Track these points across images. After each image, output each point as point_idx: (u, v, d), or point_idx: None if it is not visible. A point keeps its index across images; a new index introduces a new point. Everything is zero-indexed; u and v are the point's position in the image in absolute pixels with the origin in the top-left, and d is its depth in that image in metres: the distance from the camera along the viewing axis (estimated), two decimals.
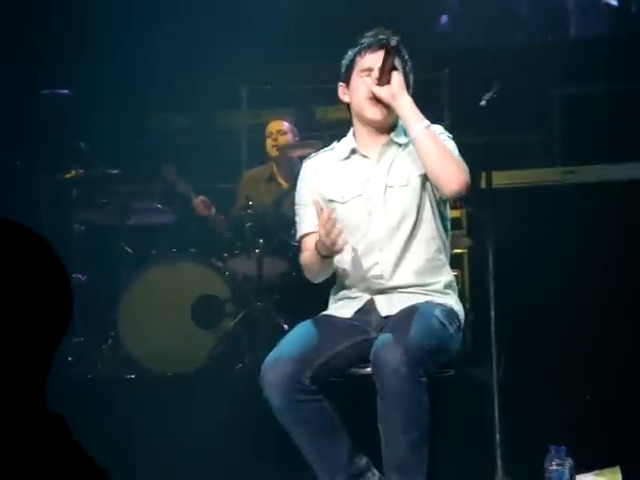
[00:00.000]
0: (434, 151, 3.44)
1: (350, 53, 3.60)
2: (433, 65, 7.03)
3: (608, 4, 7.31)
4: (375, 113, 3.54)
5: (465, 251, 6.15)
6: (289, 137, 6.75)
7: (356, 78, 3.56)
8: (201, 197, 6.69)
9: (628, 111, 6.69)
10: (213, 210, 6.68)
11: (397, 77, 3.47)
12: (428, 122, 3.48)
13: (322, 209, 3.38)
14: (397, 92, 3.46)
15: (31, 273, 1.42)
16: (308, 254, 3.57)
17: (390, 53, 3.45)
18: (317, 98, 7.60)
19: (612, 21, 7.52)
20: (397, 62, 3.52)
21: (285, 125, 6.79)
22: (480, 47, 7.54)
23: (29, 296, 1.40)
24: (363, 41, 3.58)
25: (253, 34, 7.28)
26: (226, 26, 7.33)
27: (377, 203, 3.56)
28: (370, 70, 3.52)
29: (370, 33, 3.59)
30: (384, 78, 3.46)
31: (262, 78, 7.73)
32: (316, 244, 3.43)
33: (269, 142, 6.78)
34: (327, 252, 3.41)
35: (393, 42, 3.45)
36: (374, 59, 3.52)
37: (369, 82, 3.51)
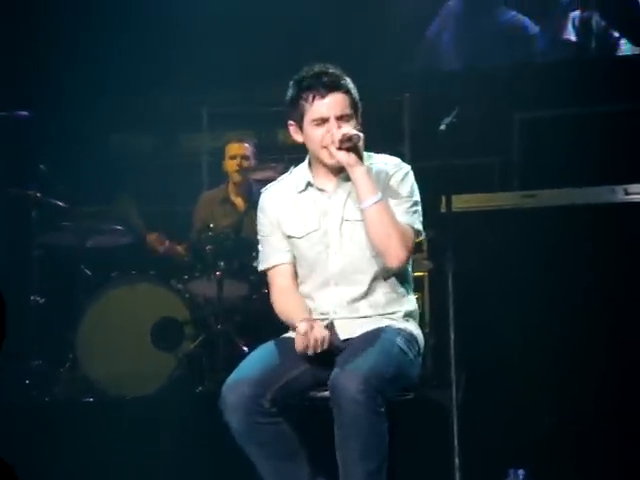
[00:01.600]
0: (379, 227, 3.47)
1: (293, 93, 3.56)
2: (394, 89, 7.05)
3: (568, 39, 7.38)
4: (332, 162, 3.55)
5: (425, 274, 6.16)
6: (251, 161, 6.73)
7: (309, 127, 3.54)
8: (154, 234, 6.63)
9: (587, 135, 6.75)
10: (167, 243, 6.62)
11: (354, 156, 3.48)
12: (379, 196, 3.47)
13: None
14: (352, 164, 3.48)
15: None
16: (282, 304, 3.60)
17: (349, 140, 3.45)
18: (279, 120, 7.59)
19: (572, 46, 7.59)
20: (346, 100, 3.51)
21: (248, 149, 6.77)
22: (441, 71, 7.57)
23: None
24: (306, 83, 3.53)
25: (215, 55, 7.28)
26: (187, 47, 7.33)
27: (333, 237, 3.57)
28: (322, 120, 3.51)
29: (311, 72, 3.54)
30: (343, 147, 3.48)
31: (223, 100, 7.73)
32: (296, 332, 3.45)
33: (231, 164, 6.74)
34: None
35: (354, 139, 3.45)
36: (325, 107, 3.50)
37: (323, 134, 3.49)
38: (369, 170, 3.54)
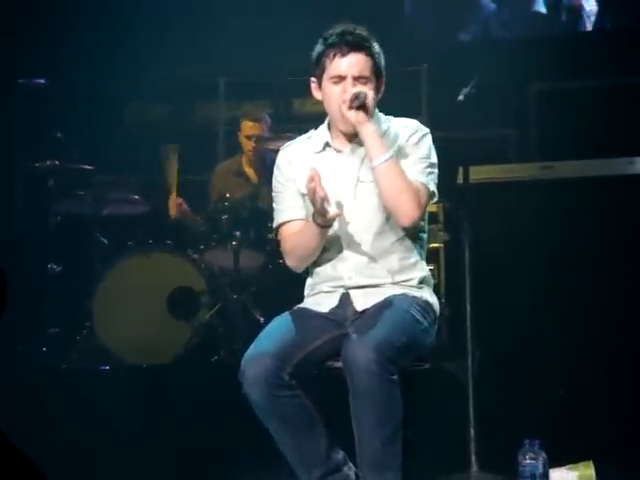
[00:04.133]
0: (390, 185, 3.46)
1: (318, 50, 3.56)
2: (412, 59, 7.03)
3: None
4: (345, 127, 3.56)
5: (441, 246, 6.16)
6: (266, 135, 6.70)
7: (327, 84, 3.55)
8: (180, 199, 6.65)
9: (605, 107, 6.72)
10: (188, 212, 6.64)
11: (363, 114, 3.47)
12: (389, 154, 3.47)
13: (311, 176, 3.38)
14: (362, 122, 3.48)
15: None
16: (298, 235, 3.56)
17: (357, 97, 3.45)
18: (295, 90, 7.59)
19: (588, 16, 7.54)
20: (367, 62, 3.52)
21: (263, 128, 6.73)
22: (459, 42, 7.54)
23: None
24: (330, 41, 3.55)
25: (231, 24, 7.27)
26: (205, 16, 7.31)
27: (347, 198, 3.56)
28: (340, 77, 3.51)
29: (337, 30, 3.55)
30: (353, 106, 3.48)
31: (240, 69, 7.71)
32: (313, 214, 3.44)
33: (246, 143, 6.72)
34: (321, 219, 3.41)
35: (361, 96, 3.44)
36: (344, 65, 3.50)
37: (339, 94, 3.50)
38: (386, 133, 3.53)
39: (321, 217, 3.42)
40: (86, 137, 6.81)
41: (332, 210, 3.40)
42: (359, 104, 3.47)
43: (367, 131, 3.49)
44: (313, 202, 3.39)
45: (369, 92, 3.48)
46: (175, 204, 6.63)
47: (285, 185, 3.64)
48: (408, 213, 3.47)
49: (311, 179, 3.37)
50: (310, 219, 3.49)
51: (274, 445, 3.41)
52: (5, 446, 1.38)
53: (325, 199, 3.37)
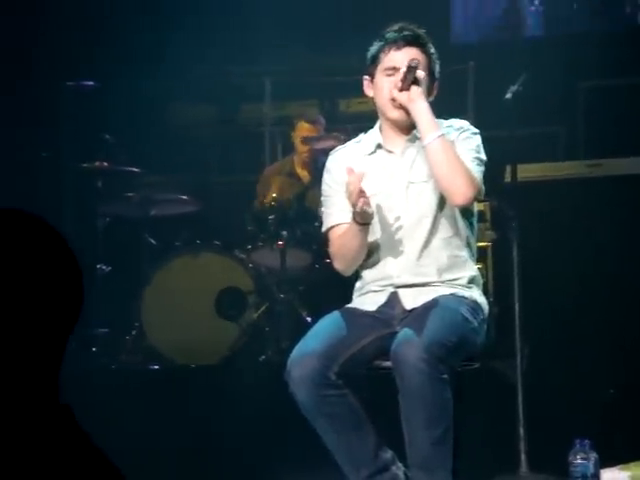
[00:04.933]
0: (442, 163, 3.46)
1: (374, 47, 3.60)
2: (458, 57, 7.01)
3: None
4: (396, 114, 3.56)
5: (489, 244, 6.12)
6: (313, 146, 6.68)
7: (380, 76, 3.57)
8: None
9: None
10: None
11: (416, 88, 3.48)
12: (441, 131, 3.48)
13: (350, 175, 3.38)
14: (414, 99, 3.48)
15: (40, 261, 1.42)
16: (341, 238, 3.56)
17: (410, 70, 3.46)
18: (341, 90, 7.59)
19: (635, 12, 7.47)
20: (422, 59, 3.52)
21: (319, 129, 6.71)
22: (506, 39, 7.51)
23: (39, 284, 1.40)
24: (387, 36, 3.58)
25: (277, 24, 7.28)
26: (251, 16, 7.33)
27: (399, 199, 3.56)
28: (394, 69, 3.52)
29: (395, 27, 3.59)
30: (405, 86, 3.48)
31: (286, 69, 7.72)
32: (352, 213, 3.44)
33: (300, 143, 6.71)
34: (360, 217, 3.40)
35: (413, 62, 3.48)
36: (398, 57, 3.53)
37: (392, 83, 3.51)
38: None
39: (359, 214, 3.41)
40: (133, 138, 6.85)
41: (364, 205, 3.39)
42: (412, 78, 3.46)
43: (420, 107, 3.48)
44: (350, 198, 3.39)
45: (422, 73, 3.48)
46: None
47: (334, 189, 3.64)
48: (462, 190, 3.45)
49: (350, 171, 3.37)
50: (348, 228, 3.49)
51: (322, 444, 3.41)
52: (89, 448, 1.39)
53: (362, 196, 3.37)
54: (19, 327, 1.37)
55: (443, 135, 3.48)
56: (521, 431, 4.17)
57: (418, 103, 3.48)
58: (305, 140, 6.62)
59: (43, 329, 1.39)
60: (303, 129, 6.71)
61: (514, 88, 4.31)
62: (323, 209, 3.71)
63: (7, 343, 1.36)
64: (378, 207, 3.55)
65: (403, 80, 3.48)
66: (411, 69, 3.47)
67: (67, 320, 1.43)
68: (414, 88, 3.48)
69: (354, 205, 3.38)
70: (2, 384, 1.37)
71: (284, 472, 4.60)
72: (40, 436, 1.39)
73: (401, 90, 3.49)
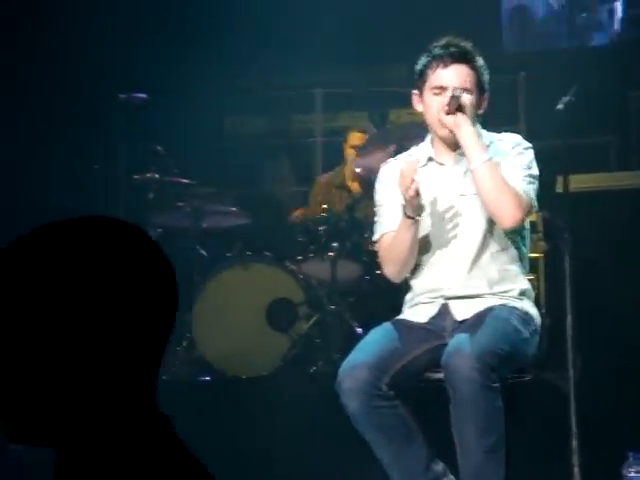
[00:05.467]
0: (489, 187, 3.45)
1: (421, 62, 3.60)
2: (509, 68, 6.99)
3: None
4: (444, 133, 3.57)
5: (541, 255, 6.08)
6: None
7: (428, 94, 3.57)
8: (300, 210, 6.73)
9: None
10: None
11: (461, 114, 3.48)
12: (488, 156, 3.47)
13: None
14: (460, 124, 3.48)
15: (143, 268, 1.44)
16: (392, 239, 3.57)
17: (453, 99, 3.46)
18: (391, 100, 7.60)
19: None
20: (469, 75, 3.51)
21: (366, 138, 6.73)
22: (555, 49, 7.47)
23: (140, 291, 1.42)
24: (434, 52, 3.57)
25: (327, 36, 7.30)
26: (301, 28, 7.36)
27: (451, 211, 3.56)
28: (441, 88, 3.52)
29: (442, 42, 3.58)
30: (451, 109, 3.48)
31: (337, 81, 7.74)
32: (403, 207, 3.45)
33: (350, 152, 6.74)
34: (411, 210, 3.41)
35: (457, 92, 3.47)
36: (445, 76, 3.52)
37: (439, 103, 3.51)
38: (488, 148, 3.52)
39: (410, 204, 3.41)
40: (185, 150, 6.90)
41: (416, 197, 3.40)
42: (456, 105, 3.47)
43: (466, 133, 3.48)
44: (401, 185, 3.38)
45: (467, 96, 3.48)
46: (297, 216, 6.67)
47: (387, 198, 3.66)
48: (510, 214, 3.45)
49: (410, 166, 3.36)
50: (402, 214, 3.49)
51: (374, 456, 3.41)
52: (187, 457, 1.42)
53: (416, 188, 3.37)
54: (121, 334, 1.39)
55: (490, 159, 3.47)
56: (574, 444, 4.13)
57: (463, 129, 3.49)
58: (356, 149, 6.64)
59: (144, 336, 1.42)
60: (355, 138, 6.74)
61: (566, 99, 4.29)
62: (376, 218, 3.72)
63: (110, 349, 1.39)
64: (430, 218, 3.55)
65: (449, 104, 3.48)
66: (455, 97, 3.47)
67: (165, 327, 1.45)
68: (459, 115, 3.48)
69: (406, 190, 3.37)
70: (104, 393, 1.39)
71: None
72: (140, 444, 1.42)
73: (448, 113, 3.49)
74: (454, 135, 3.53)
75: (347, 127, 6.90)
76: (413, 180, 3.37)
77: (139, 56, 7.28)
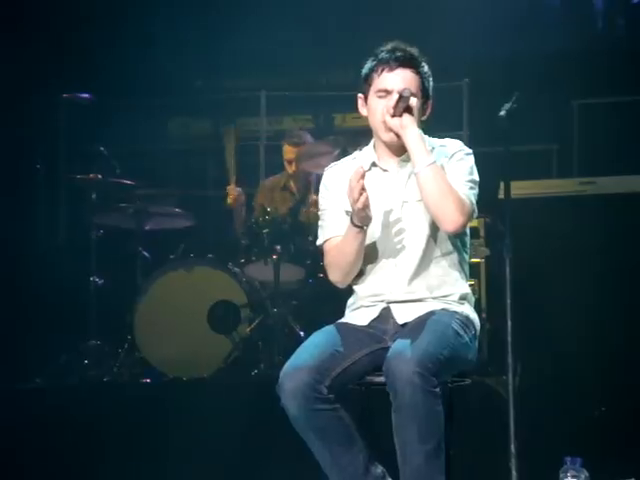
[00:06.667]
0: (433, 190, 3.47)
1: (367, 66, 3.60)
2: (453, 74, 7.03)
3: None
4: (387, 137, 3.57)
5: (482, 261, 6.14)
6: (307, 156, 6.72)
7: (373, 97, 3.58)
8: (238, 189, 6.70)
9: None
10: (243, 202, 6.70)
11: (407, 116, 3.50)
12: (432, 159, 3.49)
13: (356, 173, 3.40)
14: (406, 126, 3.49)
15: None
16: (337, 247, 3.58)
17: (401, 99, 3.47)
18: (336, 105, 7.62)
19: (632, 32, 7.51)
20: (414, 80, 3.53)
21: (301, 152, 6.75)
22: (500, 56, 7.53)
23: None
24: (380, 56, 3.58)
25: (273, 40, 7.30)
26: (247, 32, 7.35)
27: (393, 217, 3.58)
28: (386, 92, 3.53)
29: (388, 47, 3.59)
30: (397, 112, 3.49)
31: (281, 84, 7.75)
32: (351, 216, 3.46)
33: (286, 164, 6.79)
34: (358, 219, 3.42)
35: (405, 92, 3.48)
36: (390, 80, 3.53)
37: (384, 106, 3.52)
38: (431, 152, 3.53)
39: (357, 214, 3.43)
40: (129, 151, 6.86)
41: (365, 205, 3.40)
42: (404, 106, 3.48)
43: (411, 135, 3.49)
44: (351, 195, 3.40)
45: (414, 98, 3.49)
46: (233, 193, 6.66)
47: (331, 203, 3.66)
48: (453, 218, 3.46)
49: (358, 175, 3.37)
50: (349, 223, 3.50)
51: (313, 458, 3.41)
52: None
53: (365, 200, 3.38)
54: None
55: (434, 162, 3.49)
56: (512, 448, 4.16)
57: (409, 131, 3.50)
58: (288, 162, 6.71)
59: None
60: (287, 152, 6.78)
61: (508, 105, 4.32)
62: (319, 222, 3.72)
63: None
64: (373, 225, 3.56)
65: (395, 107, 3.49)
66: (403, 98, 3.49)
67: None
68: (406, 116, 3.50)
69: (355, 201, 3.38)
70: None
71: None
72: None
73: (393, 116, 3.51)
74: (398, 139, 3.54)
75: (284, 136, 6.91)
76: (362, 192, 3.38)
77: (84, 56, 7.23)
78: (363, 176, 3.38)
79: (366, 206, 3.40)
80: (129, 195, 6.46)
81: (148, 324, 6.25)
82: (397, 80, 3.52)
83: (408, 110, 3.50)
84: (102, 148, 6.37)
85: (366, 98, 3.61)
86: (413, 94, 3.52)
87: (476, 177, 3.59)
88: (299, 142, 6.78)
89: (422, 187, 3.48)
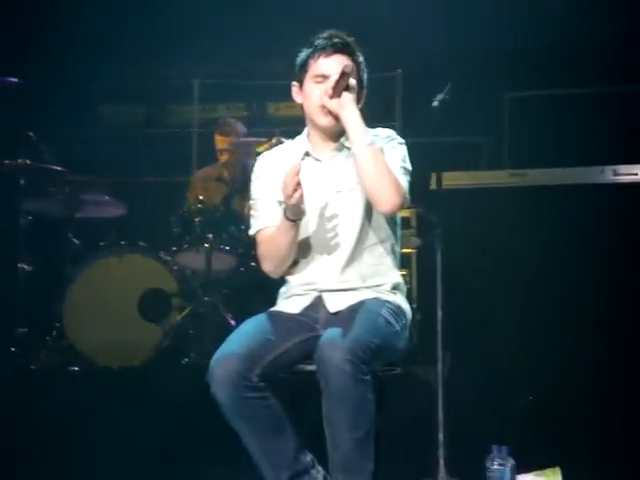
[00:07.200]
0: (371, 170, 3.48)
1: (304, 54, 3.61)
2: (386, 65, 7.06)
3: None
4: (325, 121, 3.58)
5: (414, 251, 6.18)
6: (233, 154, 6.72)
7: (309, 83, 3.58)
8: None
9: (577, 116, 6.76)
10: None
11: (347, 94, 3.50)
12: (371, 139, 3.50)
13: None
14: (346, 105, 3.50)
15: None
16: (270, 238, 3.57)
17: (343, 76, 3.48)
18: (269, 93, 7.61)
19: (561, 27, 7.60)
20: (351, 75, 3.54)
21: (232, 142, 6.74)
22: (433, 48, 7.58)
23: None
24: (317, 43, 3.59)
25: (206, 28, 7.27)
26: (179, 19, 7.31)
27: (327, 208, 3.59)
28: (323, 77, 3.54)
29: (324, 35, 3.61)
30: (336, 93, 3.50)
31: (215, 72, 7.71)
32: (284, 210, 3.46)
33: (218, 154, 6.77)
34: (292, 212, 3.42)
35: (347, 68, 3.49)
36: (327, 65, 3.55)
37: (322, 90, 3.53)
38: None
39: (291, 208, 3.43)
40: (59, 137, 6.78)
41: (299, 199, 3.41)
42: (344, 84, 3.48)
43: (351, 114, 3.50)
44: (285, 190, 3.40)
45: (353, 82, 3.50)
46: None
47: (263, 192, 3.66)
48: (389, 198, 3.47)
49: (294, 172, 3.37)
50: (282, 216, 3.50)
51: (243, 446, 3.41)
52: None
53: (297, 189, 3.39)
54: None
55: (373, 143, 3.50)
56: (440, 437, 4.21)
57: (349, 109, 3.50)
58: (220, 152, 6.69)
59: None
60: (218, 141, 6.76)
61: (440, 96, 4.35)
62: (252, 212, 3.72)
63: None
64: (307, 214, 3.56)
65: (334, 87, 3.50)
66: (345, 75, 3.49)
67: None
68: (345, 94, 3.51)
69: (288, 197, 3.38)
70: None
71: (205, 473, 4.59)
72: None
73: (332, 97, 3.51)
74: (336, 121, 3.54)
75: (215, 123, 6.90)
76: (297, 187, 3.38)
77: (12, 39, 7.12)
78: (298, 172, 3.39)
79: (300, 202, 3.41)
80: (59, 181, 6.38)
81: (77, 312, 6.20)
82: (334, 65, 3.53)
83: (347, 89, 3.50)
84: (31, 133, 6.29)
85: (301, 85, 3.61)
86: (352, 71, 3.52)
87: (409, 166, 3.62)
88: (230, 131, 6.77)
89: (361, 167, 3.49)
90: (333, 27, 3.66)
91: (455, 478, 4.20)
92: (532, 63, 7.14)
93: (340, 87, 3.49)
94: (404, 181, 3.55)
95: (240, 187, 6.47)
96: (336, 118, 3.55)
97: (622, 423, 4.89)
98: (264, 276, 3.70)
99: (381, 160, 3.49)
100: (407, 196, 3.57)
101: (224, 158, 6.74)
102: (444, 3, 7.51)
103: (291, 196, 3.39)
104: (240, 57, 7.65)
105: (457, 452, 4.22)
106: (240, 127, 6.84)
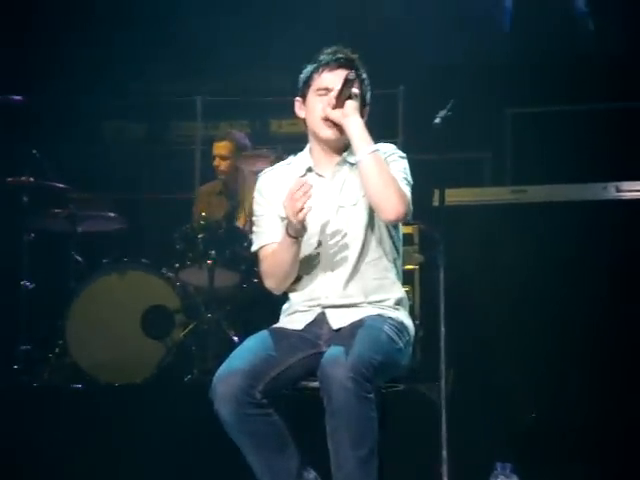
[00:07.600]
0: (375, 178, 3.48)
1: (308, 69, 3.63)
2: (388, 81, 7.07)
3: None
4: (328, 133, 3.58)
5: (417, 267, 6.17)
6: (230, 161, 6.71)
7: (312, 96, 3.59)
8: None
9: (580, 132, 6.77)
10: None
11: (351, 102, 3.51)
12: (375, 147, 3.51)
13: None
14: (349, 113, 3.50)
15: None
16: (272, 255, 3.58)
17: (347, 84, 3.49)
18: (272, 110, 7.62)
19: (568, 43, 7.61)
20: (354, 84, 3.55)
21: (230, 148, 6.73)
22: (435, 64, 7.59)
23: None
24: (321, 58, 3.61)
25: (209, 45, 7.28)
26: (183, 35, 7.32)
27: (329, 223, 3.59)
28: (327, 90, 3.55)
29: (329, 50, 3.62)
30: (339, 103, 3.50)
31: (217, 89, 7.73)
32: (286, 226, 3.46)
33: (216, 161, 6.77)
34: (294, 229, 3.42)
35: (351, 75, 3.50)
36: (331, 78, 3.56)
37: (325, 103, 3.54)
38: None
39: (294, 226, 3.43)
40: (62, 154, 6.79)
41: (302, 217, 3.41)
42: (348, 93, 3.48)
43: (354, 123, 3.51)
44: (292, 207, 3.40)
45: (357, 91, 3.51)
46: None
47: (266, 209, 3.66)
48: (394, 206, 3.47)
49: (303, 191, 3.37)
50: (284, 232, 3.50)
51: (246, 463, 3.40)
52: None
53: (303, 212, 3.39)
54: None
55: (377, 150, 3.50)
56: (444, 454, 4.20)
57: (353, 118, 3.51)
58: (217, 159, 6.68)
59: None
60: (216, 147, 6.75)
61: (443, 113, 4.35)
62: (254, 228, 3.72)
63: None
64: (309, 230, 3.56)
65: (338, 96, 3.50)
66: (348, 82, 3.49)
67: None
68: (349, 103, 3.51)
69: (294, 214, 3.38)
70: None
71: None
72: None
73: (335, 107, 3.52)
74: (339, 133, 3.54)
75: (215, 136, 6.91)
76: (303, 207, 3.38)
77: (18, 57, 7.14)
78: (308, 192, 3.38)
79: (304, 220, 3.41)
80: (62, 198, 6.39)
81: (80, 329, 6.19)
82: (337, 79, 3.54)
83: (350, 98, 3.51)
84: (34, 151, 6.30)
85: (304, 100, 3.62)
86: (356, 79, 3.53)
87: (410, 179, 3.62)
88: (224, 136, 6.78)
89: (365, 174, 3.49)
90: (335, 44, 3.67)
91: None
92: (535, 79, 7.15)
93: (343, 96, 3.50)
94: (407, 191, 3.56)
95: (241, 202, 6.47)
96: (339, 130, 3.55)
97: (626, 440, 4.88)
98: (267, 292, 3.70)
99: (385, 169, 3.49)
100: (411, 207, 3.57)
101: (222, 167, 6.70)
102: (446, 19, 7.52)
103: (297, 214, 3.39)
104: (242, 74, 7.67)
105: (461, 469, 4.20)
106: (239, 135, 6.84)
